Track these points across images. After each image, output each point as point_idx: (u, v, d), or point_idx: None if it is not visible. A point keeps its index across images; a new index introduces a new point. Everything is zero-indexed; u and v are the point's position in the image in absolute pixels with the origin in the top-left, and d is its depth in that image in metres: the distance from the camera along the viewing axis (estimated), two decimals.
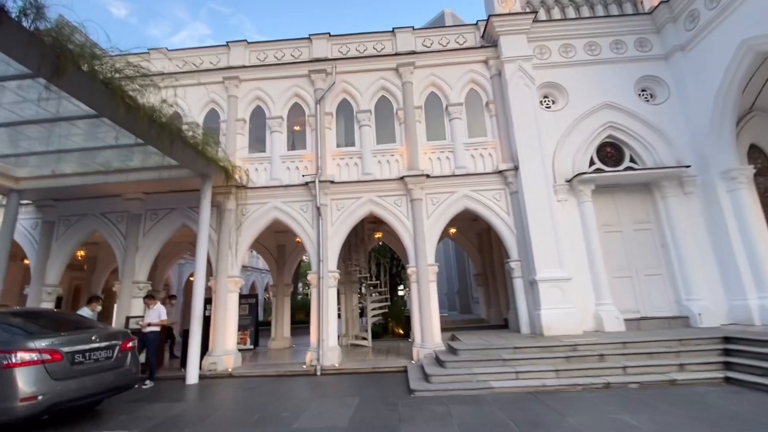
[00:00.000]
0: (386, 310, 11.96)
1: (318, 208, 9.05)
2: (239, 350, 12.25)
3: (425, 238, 8.87)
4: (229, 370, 8.33)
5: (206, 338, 8.63)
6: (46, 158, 8.15)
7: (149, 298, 7.83)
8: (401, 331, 13.79)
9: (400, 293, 23.47)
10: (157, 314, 7.60)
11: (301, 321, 20.29)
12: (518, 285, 8.76)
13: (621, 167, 9.18)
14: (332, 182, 9.30)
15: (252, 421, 4.90)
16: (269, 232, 12.89)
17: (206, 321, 8.70)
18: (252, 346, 12.46)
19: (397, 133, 9.86)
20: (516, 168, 9.02)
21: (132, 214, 9.53)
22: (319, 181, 9.15)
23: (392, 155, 9.65)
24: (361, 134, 9.83)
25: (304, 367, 8.23)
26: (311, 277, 8.95)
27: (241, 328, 12.65)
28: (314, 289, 8.86)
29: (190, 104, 10.19)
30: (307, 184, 9.29)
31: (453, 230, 11.55)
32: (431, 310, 8.46)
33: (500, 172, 9.13)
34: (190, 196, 9.37)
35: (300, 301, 24.15)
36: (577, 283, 8.29)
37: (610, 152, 9.49)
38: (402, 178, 9.14)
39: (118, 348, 5.36)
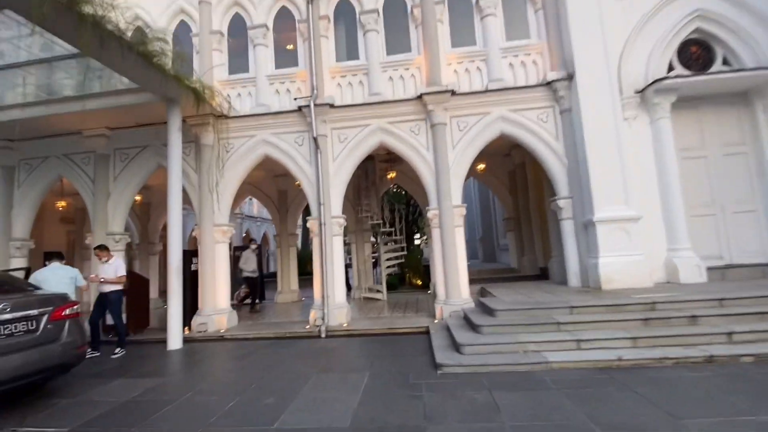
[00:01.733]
0: (402, 260, 10.54)
1: (315, 140, 7.27)
2: (244, 305, 11.33)
3: (450, 173, 7.07)
4: (222, 331, 7.18)
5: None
6: None
7: (101, 249, 6.41)
8: (419, 282, 12.53)
9: (416, 242, 22.19)
10: (114, 269, 6.25)
11: (310, 272, 19.44)
12: (567, 228, 7.01)
13: (711, 71, 6.90)
14: (332, 106, 7.40)
15: (223, 412, 3.60)
16: (269, 177, 11.33)
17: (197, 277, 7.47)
18: (257, 300, 11.44)
19: (413, 40, 7.69)
20: (570, 77, 6.87)
21: (99, 155, 7.99)
22: (315, 105, 7.27)
23: (407, 69, 7.57)
24: (366, 43, 7.70)
25: (307, 327, 6.99)
26: (311, 224, 7.42)
27: (245, 281, 11.62)
28: (316, 239, 7.37)
29: (155, 16, 8.18)
30: (300, 109, 7.43)
31: (481, 166, 9.67)
32: (457, 259, 6.90)
33: (548, 83, 7.01)
34: (163, 130, 7.72)
35: (311, 251, 23.26)
36: (645, 224, 6.48)
37: (696, 52, 7.14)
38: (420, 96, 7.15)
39: (46, 318, 4.03)
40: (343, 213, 7.58)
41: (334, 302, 7.11)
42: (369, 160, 10.47)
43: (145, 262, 12.60)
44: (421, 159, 7.25)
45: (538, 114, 7.13)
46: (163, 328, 7.14)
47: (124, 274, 6.30)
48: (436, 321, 6.68)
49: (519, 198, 10.39)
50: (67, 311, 4.27)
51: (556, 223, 7.57)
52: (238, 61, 8.20)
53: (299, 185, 9.95)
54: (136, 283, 7.53)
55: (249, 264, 10.23)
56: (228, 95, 7.94)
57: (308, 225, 7.49)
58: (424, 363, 4.74)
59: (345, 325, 6.95)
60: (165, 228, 7.34)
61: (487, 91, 7.18)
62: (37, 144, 8.29)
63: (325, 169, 7.34)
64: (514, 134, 7.18)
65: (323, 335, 6.58)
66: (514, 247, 11.06)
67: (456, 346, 4.88)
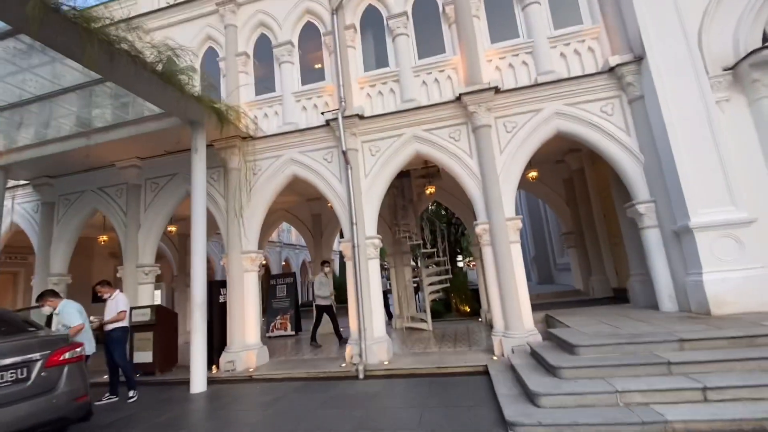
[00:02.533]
0: (447, 284, 9.45)
1: (345, 154, 6.64)
2: (278, 337, 10.68)
3: (499, 180, 6.10)
4: (251, 369, 6.46)
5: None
6: (26, 127, 6.76)
7: (102, 285, 5.89)
8: (467, 309, 11.29)
9: (459, 264, 20.85)
10: (115, 305, 5.74)
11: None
12: (652, 238, 5.72)
13: None
14: (361, 117, 6.79)
15: None
16: (302, 201, 10.91)
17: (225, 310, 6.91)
18: (293, 332, 10.76)
19: (447, 40, 7.00)
20: (638, 60, 5.80)
21: (131, 186, 7.89)
22: (344, 117, 6.69)
23: (441, 71, 6.85)
24: (395, 48, 7.11)
25: (343, 366, 6.10)
26: (344, 247, 6.67)
27: (280, 312, 11.06)
28: (349, 263, 6.59)
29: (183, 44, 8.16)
30: (328, 123, 6.88)
31: (533, 174, 8.56)
32: (516, 282, 5.79)
33: (611, 69, 5.97)
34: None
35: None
36: (761, 228, 5.08)
37: None
38: (459, 98, 6.35)
39: (40, 364, 3.48)
40: (378, 233, 6.78)
41: (372, 336, 6.20)
42: (404, 176, 9.75)
43: (183, 294, 12.42)
44: (463, 167, 6.36)
45: (601, 106, 6.06)
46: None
47: (125, 309, 5.76)
48: (495, 358, 5.55)
49: (580, 209, 9.07)
50: (67, 355, 3.71)
51: (635, 234, 6.29)
52: (265, 82, 7.93)
53: (332, 207, 9.38)
54: (163, 318, 7.08)
55: (323, 289, 8.39)
56: (255, 116, 7.61)
57: (340, 248, 6.75)
58: (489, 418, 3.67)
59: (386, 363, 5.99)
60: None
61: (536, 85, 6.25)
62: (74, 179, 8.38)
63: (356, 186, 6.65)
64: (573, 132, 6.13)
65: (361, 376, 5.65)
66: (578, 266, 9.61)
67: (529, 396, 3.77)
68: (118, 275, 7.73)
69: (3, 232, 8.90)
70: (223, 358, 6.62)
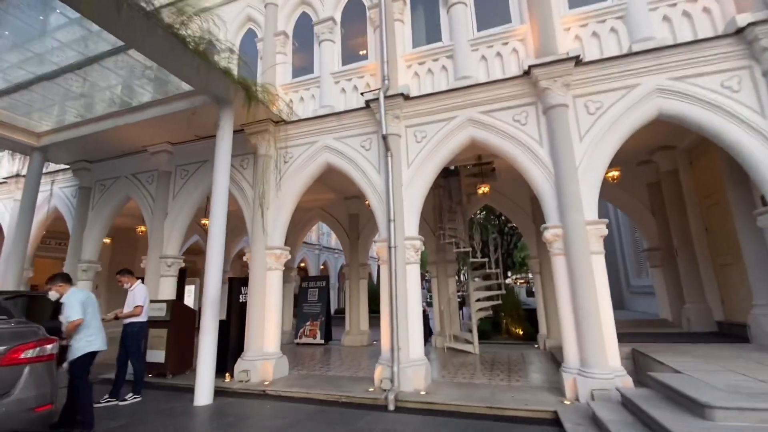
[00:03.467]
0: (499, 301, 8.09)
1: (385, 140, 5.68)
2: (306, 345, 9.87)
3: (578, 173, 4.81)
4: (266, 383, 5.61)
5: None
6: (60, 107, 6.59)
7: (122, 273, 5.33)
8: (519, 331, 9.81)
9: (507, 280, 19.10)
10: (133, 298, 5.16)
11: None
12: None
13: None
14: (406, 97, 5.82)
15: None
16: (339, 199, 10.12)
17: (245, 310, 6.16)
18: (322, 341, 9.90)
19: (513, 6, 5.87)
20: None
21: (161, 172, 7.50)
22: (386, 97, 5.75)
23: (505, 43, 5.72)
24: (450, 20, 6.10)
25: (371, 390, 5.05)
26: (379, 249, 5.67)
27: (310, 317, 10.26)
28: (384, 267, 5.57)
29: (227, 27, 7.75)
30: (368, 105, 5.98)
31: (614, 173, 7.03)
32: (599, 303, 4.43)
33: (739, 32, 4.51)
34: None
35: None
36: None
37: None
38: (527, 72, 5.17)
39: None
40: (420, 235, 5.72)
41: (407, 357, 5.11)
42: (453, 175, 8.63)
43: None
44: (530, 157, 5.15)
45: (723, 80, 4.60)
46: (221, 363, 5.88)
47: (141, 303, 5.17)
48: (567, 402, 4.23)
49: (670, 220, 7.36)
50: (30, 353, 3.03)
51: (763, 252, 4.68)
52: (303, 64, 7.26)
53: (370, 206, 8.49)
54: (179, 315, 6.48)
55: None
56: (290, 100, 6.93)
57: (375, 251, 5.76)
58: None
59: (423, 392, 4.86)
60: (240, 255, 6.27)
61: (630, 54, 4.92)
62: (110, 165, 8.19)
63: (396, 177, 5.66)
64: (680, 113, 4.71)
65: (391, 406, 4.56)
66: (665, 291, 7.83)
67: None
68: (141, 265, 7.31)
69: (44, 216, 8.97)
70: (238, 366, 5.84)
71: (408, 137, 5.88)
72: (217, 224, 5.44)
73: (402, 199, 5.63)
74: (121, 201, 8.13)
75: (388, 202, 5.53)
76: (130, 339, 5.20)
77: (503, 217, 13.70)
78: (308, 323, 10.24)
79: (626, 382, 4.13)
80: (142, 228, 10.75)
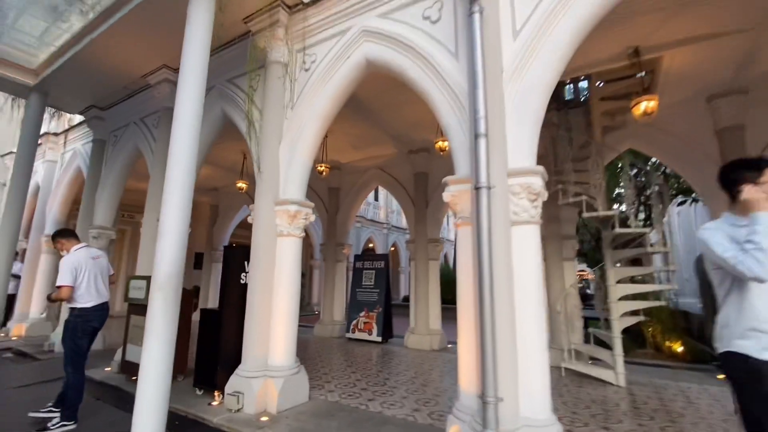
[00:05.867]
0: (660, 301, 4.83)
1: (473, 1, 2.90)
2: (359, 341, 7.66)
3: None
4: (264, 418, 3.41)
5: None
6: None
7: (58, 237, 3.58)
8: (676, 348, 6.37)
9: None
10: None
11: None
12: None
13: None
14: None
15: None
16: (401, 154, 7.69)
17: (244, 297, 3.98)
18: (379, 338, 7.60)
19: None
20: None
21: (165, 110, 5.70)
22: None
23: None
24: None
25: None
26: (453, 195, 2.99)
27: (366, 307, 8.02)
28: (466, 230, 2.89)
29: None
30: None
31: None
32: None
33: None
34: (228, 57, 4.94)
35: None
36: None
37: None
38: None
39: None
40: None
41: (514, 413, 2.42)
42: (572, 107, 5.47)
43: (208, 270, 10.96)
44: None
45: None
46: (210, 373, 3.98)
47: (64, 283, 3.27)
48: None
49: None
50: None
51: None
52: None
53: (444, 150, 5.81)
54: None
55: None
56: None
57: (445, 197, 3.06)
58: None
59: None
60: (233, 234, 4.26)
61: None
62: (121, 110, 6.72)
63: (491, 55, 2.86)
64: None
65: None
66: None
67: None
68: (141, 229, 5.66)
69: (71, 177, 8.00)
70: (231, 384, 3.73)
71: None
72: (181, 142, 3.28)
73: (502, 96, 2.84)
74: (131, 153, 6.59)
75: (475, 102, 2.78)
76: (70, 333, 3.42)
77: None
78: (362, 314, 8.00)
79: None
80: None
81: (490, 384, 2.37)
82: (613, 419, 3.50)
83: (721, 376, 5.20)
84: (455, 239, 18.66)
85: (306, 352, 6.42)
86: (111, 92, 6.48)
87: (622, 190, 6.14)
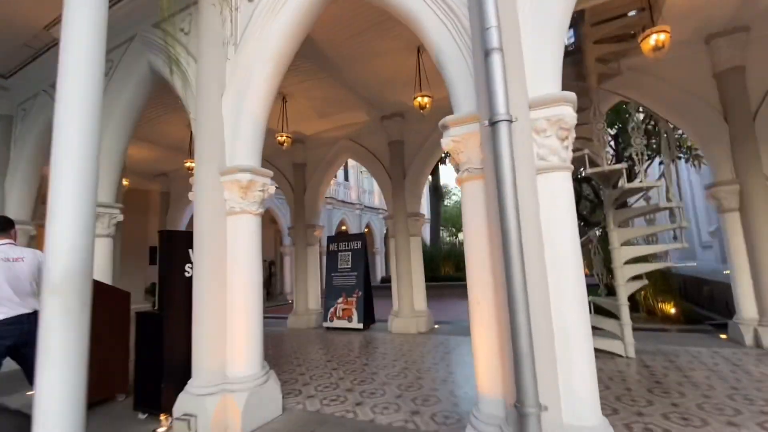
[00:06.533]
0: (667, 263, 4.42)
1: None
2: (338, 330, 6.99)
3: None
4: None
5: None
6: None
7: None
8: (670, 309, 6.16)
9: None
10: None
11: (448, 277, 14.30)
12: None
13: None
14: None
15: None
16: (373, 121, 6.86)
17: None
18: (360, 325, 6.93)
19: None
20: None
21: None
22: None
23: None
24: None
25: None
26: (456, 140, 2.26)
27: (343, 292, 7.31)
28: (474, 184, 2.19)
29: None
30: None
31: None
32: None
33: None
34: None
35: (447, 248, 18.10)
36: None
37: None
38: None
39: None
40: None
41: (558, 422, 1.79)
42: (567, 55, 4.79)
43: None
44: None
45: None
46: (154, 392, 3.13)
47: None
48: None
49: None
50: None
51: None
52: None
53: (425, 107, 5.06)
54: (95, 305, 3.66)
55: None
56: None
57: (444, 144, 2.33)
58: None
59: None
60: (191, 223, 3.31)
61: None
62: (28, 75, 5.43)
63: None
64: None
65: None
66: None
67: None
68: None
69: None
70: (179, 405, 2.92)
71: None
72: (67, 99, 2.33)
73: None
74: (45, 129, 5.39)
75: (482, 6, 2.03)
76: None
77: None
78: (340, 300, 7.28)
79: None
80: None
81: (529, 389, 1.71)
82: (641, 401, 3.02)
83: (724, 336, 4.95)
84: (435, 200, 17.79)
85: (279, 349, 5.65)
86: (10, 53, 5.19)
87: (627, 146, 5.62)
